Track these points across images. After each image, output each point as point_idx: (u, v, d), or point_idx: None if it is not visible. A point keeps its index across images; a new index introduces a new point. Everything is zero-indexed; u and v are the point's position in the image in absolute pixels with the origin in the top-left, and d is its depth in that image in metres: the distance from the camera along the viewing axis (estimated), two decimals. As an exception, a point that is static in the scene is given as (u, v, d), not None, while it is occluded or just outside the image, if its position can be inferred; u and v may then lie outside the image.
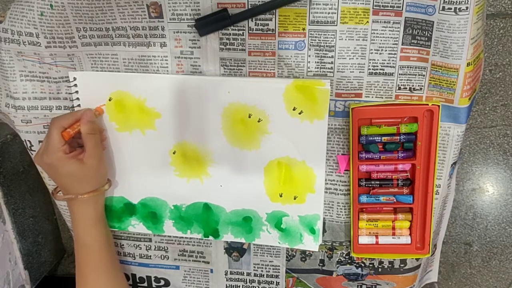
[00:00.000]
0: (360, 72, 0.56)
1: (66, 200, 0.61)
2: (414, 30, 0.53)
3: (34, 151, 0.65)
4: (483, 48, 0.56)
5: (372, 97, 0.57)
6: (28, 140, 0.64)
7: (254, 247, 0.67)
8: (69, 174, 0.58)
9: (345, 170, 0.61)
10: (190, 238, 0.68)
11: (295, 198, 0.62)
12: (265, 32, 0.55)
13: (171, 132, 0.62)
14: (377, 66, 0.56)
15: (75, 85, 0.61)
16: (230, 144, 0.61)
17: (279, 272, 0.69)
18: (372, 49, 0.55)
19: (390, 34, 0.54)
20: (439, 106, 0.55)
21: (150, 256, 0.71)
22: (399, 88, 0.57)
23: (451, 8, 0.50)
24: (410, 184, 0.60)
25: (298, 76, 0.57)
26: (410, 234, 0.62)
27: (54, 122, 0.58)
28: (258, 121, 0.59)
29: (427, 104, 0.56)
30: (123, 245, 0.71)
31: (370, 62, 0.56)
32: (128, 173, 0.64)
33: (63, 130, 0.57)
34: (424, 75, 0.56)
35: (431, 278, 0.74)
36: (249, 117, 0.59)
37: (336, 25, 0.54)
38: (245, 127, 0.60)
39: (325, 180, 0.61)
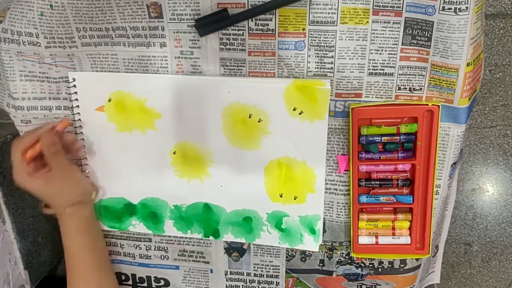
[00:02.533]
0: (360, 72, 0.56)
1: (49, 214, 0.62)
2: (414, 30, 0.53)
3: (34, 151, 0.65)
4: (483, 48, 0.56)
5: (372, 97, 0.57)
6: (28, 140, 0.64)
7: (254, 247, 0.67)
8: (43, 193, 0.59)
9: (345, 170, 0.61)
10: (190, 238, 0.68)
11: (295, 198, 0.62)
12: (265, 32, 0.55)
13: (172, 132, 0.62)
14: (377, 66, 0.56)
15: (74, 85, 0.61)
16: (231, 144, 0.61)
17: (279, 272, 0.69)
18: (372, 49, 0.55)
19: (390, 34, 0.54)
20: (439, 106, 0.55)
21: (150, 256, 0.71)
22: (399, 88, 0.57)
23: (451, 8, 0.50)
24: (410, 184, 0.60)
25: (298, 76, 0.57)
26: (410, 234, 0.62)
27: (15, 143, 0.58)
28: (259, 121, 0.59)
29: (427, 104, 0.56)
30: (123, 245, 0.71)
31: (370, 62, 0.56)
32: (128, 173, 0.64)
33: (24, 152, 0.57)
34: (424, 75, 0.56)
35: (434, 280, 0.74)
36: (250, 117, 0.59)
37: (336, 25, 0.54)
38: (245, 127, 0.60)
39: (325, 180, 0.61)
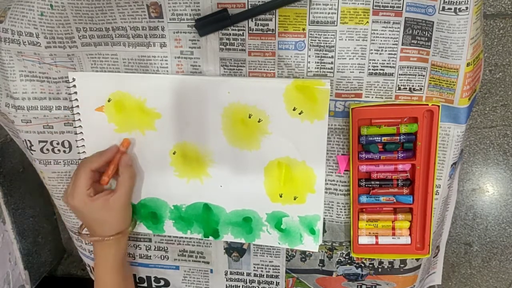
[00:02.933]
0: (360, 72, 0.56)
1: (91, 241, 0.62)
2: (414, 30, 0.53)
3: (34, 151, 0.65)
4: (482, 48, 0.56)
5: (372, 97, 0.57)
6: (28, 140, 0.64)
7: (254, 247, 0.67)
8: (94, 217, 0.58)
9: (345, 170, 0.61)
10: (190, 238, 0.68)
11: (295, 199, 0.62)
12: (265, 32, 0.55)
13: (171, 132, 0.62)
14: (377, 66, 0.56)
15: (74, 85, 0.61)
16: (230, 144, 0.61)
17: (279, 272, 0.69)
18: (372, 49, 0.55)
19: (390, 34, 0.54)
20: (439, 106, 0.55)
21: (150, 256, 0.71)
22: (399, 88, 0.57)
23: (451, 8, 0.50)
24: (410, 184, 0.60)
25: (298, 76, 0.57)
26: (410, 235, 0.62)
27: (83, 164, 0.58)
28: (258, 121, 0.59)
29: (427, 104, 0.56)
30: (123, 245, 0.71)
31: (370, 62, 0.56)
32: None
33: (92, 173, 0.58)
34: (424, 75, 0.56)
35: (435, 281, 0.74)
36: (249, 117, 0.59)
37: (336, 25, 0.54)
38: (245, 127, 0.60)
39: (325, 180, 0.61)
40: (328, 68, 0.56)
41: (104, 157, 0.59)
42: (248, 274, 0.69)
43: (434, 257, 0.72)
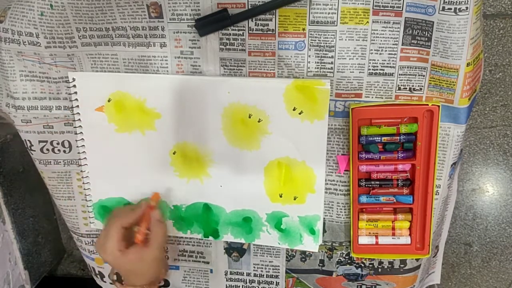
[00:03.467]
0: (360, 72, 0.56)
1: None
2: (414, 31, 0.53)
3: (34, 151, 0.65)
4: (482, 48, 0.56)
5: (372, 97, 0.57)
6: (28, 140, 0.64)
7: (254, 247, 0.67)
8: (127, 268, 0.59)
9: (345, 170, 0.61)
10: (190, 238, 0.68)
11: (295, 199, 0.62)
12: (265, 32, 0.55)
13: (171, 132, 0.62)
14: (377, 67, 0.56)
15: (74, 85, 0.61)
16: (230, 144, 0.61)
17: (279, 272, 0.69)
18: (372, 49, 0.55)
19: (390, 34, 0.54)
20: (439, 106, 0.55)
21: (150, 256, 0.71)
22: (399, 88, 0.57)
23: (451, 9, 0.50)
24: (410, 184, 0.60)
25: (298, 76, 0.57)
26: (410, 235, 0.62)
27: (114, 221, 0.59)
28: (258, 121, 0.59)
29: (427, 104, 0.56)
30: (123, 245, 0.71)
31: (370, 62, 0.56)
32: (128, 173, 0.64)
33: (122, 230, 0.58)
34: (424, 75, 0.56)
35: (434, 280, 0.74)
36: (249, 117, 0.59)
37: (336, 25, 0.54)
38: (245, 127, 0.60)
39: (325, 180, 0.61)
40: (328, 68, 0.56)
41: (135, 215, 0.60)
42: (248, 274, 0.69)
43: (433, 257, 0.72)
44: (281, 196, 0.63)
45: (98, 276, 0.75)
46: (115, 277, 0.64)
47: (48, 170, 0.66)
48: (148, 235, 0.59)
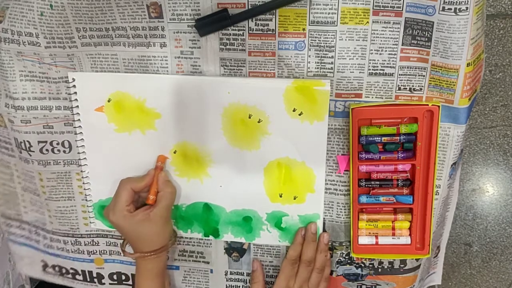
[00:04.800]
0: (360, 72, 0.56)
1: (133, 258, 0.63)
2: (414, 31, 0.53)
3: (33, 151, 0.65)
4: (483, 48, 0.56)
5: (372, 97, 0.57)
6: (27, 141, 0.64)
7: (254, 247, 0.67)
8: (135, 232, 0.59)
9: (345, 171, 0.61)
10: (190, 238, 0.68)
11: (295, 198, 0.62)
12: (265, 32, 0.55)
13: (171, 132, 0.62)
14: (377, 67, 0.56)
15: (74, 85, 0.61)
16: (230, 144, 0.61)
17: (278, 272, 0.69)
18: (372, 50, 0.55)
19: (390, 34, 0.54)
20: (439, 106, 0.55)
21: (150, 256, 0.71)
22: (399, 89, 0.57)
23: (451, 9, 0.50)
24: (410, 184, 0.60)
25: (298, 77, 0.57)
26: (410, 235, 0.62)
27: (123, 182, 0.61)
28: (258, 122, 0.59)
29: (427, 105, 0.56)
30: (123, 245, 0.70)
31: (370, 63, 0.56)
32: (128, 173, 0.64)
33: (131, 192, 0.59)
34: (424, 76, 0.56)
35: (435, 281, 0.73)
36: (249, 117, 0.59)
37: (336, 26, 0.54)
38: (245, 128, 0.60)
39: (325, 180, 0.61)
40: (328, 68, 0.56)
41: (145, 181, 0.61)
42: (248, 274, 0.69)
43: (434, 257, 0.72)
44: (281, 196, 0.63)
45: (96, 280, 0.74)
46: (125, 247, 0.64)
47: (47, 171, 0.66)
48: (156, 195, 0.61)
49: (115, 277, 0.73)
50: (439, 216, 0.63)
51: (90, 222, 0.69)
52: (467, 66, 0.53)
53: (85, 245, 0.71)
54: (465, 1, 0.49)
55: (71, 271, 0.73)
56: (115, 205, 0.59)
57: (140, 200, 0.63)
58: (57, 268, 0.74)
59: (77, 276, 0.74)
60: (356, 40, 0.54)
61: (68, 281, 0.74)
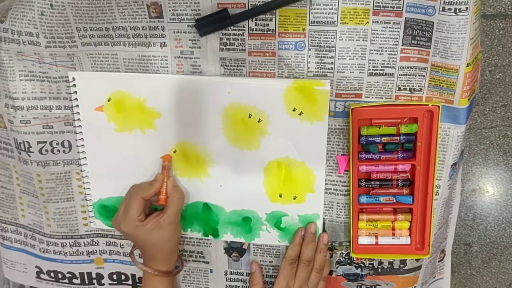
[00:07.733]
0: (360, 72, 0.56)
1: (141, 270, 0.63)
2: (414, 31, 0.53)
3: (32, 152, 0.64)
4: (480, 48, 0.56)
5: (372, 97, 0.57)
6: (26, 141, 0.64)
7: (253, 247, 0.67)
8: (146, 239, 0.60)
9: (345, 171, 0.61)
10: (190, 238, 0.68)
11: (294, 198, 0.62)
12: (265, 32, 0.55)
13: (171, 132, 0.62)
14: (377, 67, 0.56)
15: (74, 85, 0.61)
16: (230, 144, 0.61)
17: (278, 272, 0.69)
18: (372, 50, 0.55)
19: (390, 34, 0.54)
20: (439, 106, 0.55)
21: (150, 256, 0.71)
22: (399, 89, 0.57)
23: (451, 9, 0.50)
24: (410, 184, 0.60)
25: (298, 77, 0.57)
26: (410, 235, 0.62)
27: (134, 192, 0.61)
28: (258, 122, 0.60)
29: (427, 105, 0.56)
30: (123, 245, 0.70)
31: (370, 63, 0.56)
32: (128, 172, 0.64)
33: (142, 201, 0.60)
34: (424, 76, 0.56)
35: (443, 287, 0.73)
36: (249, 117, 0.59)
37: (336, 26, 0.54)
38: (245, 128, 0.60)
39: (325, 180, 0.61)
40: (328, 68, 0.56)
41: (154, 188, 0.61)
42: (248, 274, 0.69)
43: (440, 261, 0.71)
44: (280, 196, 0.63)
45: (95, 280, 0.74)
46: (134, 250, 0.64)
47: (46, 172, 0.66)
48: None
49: (114, 277, 0.73)
50: (440, 217, 0.63)
51: (90, 222, 0.69)
52: (466, 66, 0.53)
53: (84, 245, 0.71)
54: (465, 1, 0.49)
55: (67, 275, 0.73)
56: (127, 216, 0.59)
57: (147, 204, 0.63)
58: (52, 274, 0.73)
59: (74, 280, 0.74)
60: (356, 40, 0.54)
61: (64, 287, 0.74)
